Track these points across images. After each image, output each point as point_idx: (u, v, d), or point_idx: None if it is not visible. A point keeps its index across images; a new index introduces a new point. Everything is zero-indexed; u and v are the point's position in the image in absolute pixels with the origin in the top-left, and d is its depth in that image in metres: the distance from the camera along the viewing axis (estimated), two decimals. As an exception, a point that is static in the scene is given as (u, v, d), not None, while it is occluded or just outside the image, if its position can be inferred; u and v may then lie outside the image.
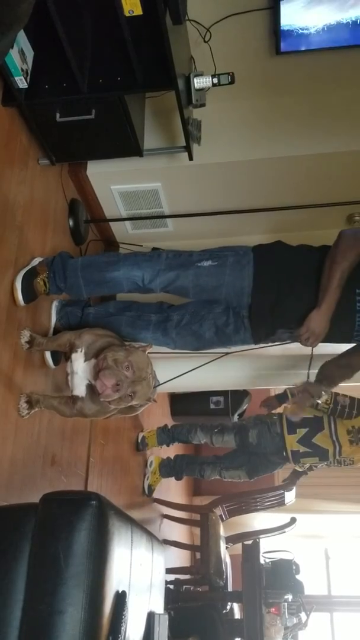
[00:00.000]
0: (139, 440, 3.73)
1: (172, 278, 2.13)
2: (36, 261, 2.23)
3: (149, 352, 1.98)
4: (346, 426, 3.08)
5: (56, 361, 2.35)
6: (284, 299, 2.04)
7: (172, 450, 4.02)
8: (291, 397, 2.36)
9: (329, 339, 2.16)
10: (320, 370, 2.31)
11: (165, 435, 3.71)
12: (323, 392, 2.29)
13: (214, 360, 2.95)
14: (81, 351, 2.00)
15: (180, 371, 3.26)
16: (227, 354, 2.82)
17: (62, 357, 2.37)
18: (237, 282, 2.07)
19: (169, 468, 3.74)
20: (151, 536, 1.82)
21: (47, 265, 2.21)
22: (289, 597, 3.26)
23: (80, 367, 1.99)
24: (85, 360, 1.99)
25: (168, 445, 3.80)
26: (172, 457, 3.81)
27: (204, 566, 3.57)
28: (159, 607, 1.81)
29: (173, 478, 3.84)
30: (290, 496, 3.86)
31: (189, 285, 2.12)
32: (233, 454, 3.53)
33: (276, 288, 2.04)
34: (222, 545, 3.79)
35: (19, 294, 2.09)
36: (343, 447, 3.07)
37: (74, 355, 2.01)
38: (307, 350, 2.22)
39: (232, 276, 2.06)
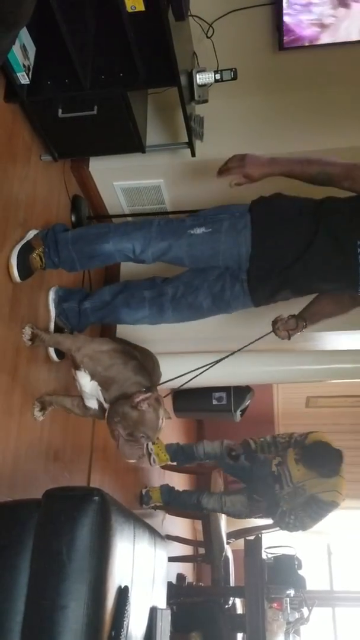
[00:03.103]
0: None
1: (164, 248, 2.03)
2: (31, 234, 2.19)
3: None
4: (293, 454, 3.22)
5: (60, 355, 2.35)
6: (286, 259, 1.94)
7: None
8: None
9: (329, 290, 2.06)
10: (308, 307, 2.12)
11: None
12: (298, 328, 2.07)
13: (221, 360, 2.96)
14: (85, 372, 1.99)
15: (186, 368, 3.26)
16: (236, 352, 2.83)
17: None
18: (234, 248, 1.97)
19: (167, 495, 3.73)
20: (153, 531, 1.82)
21: (42, 239, 2.17)
22: (291, 592, 3.27)
23: (87, 386, 2.00)
24: (91, 380, 1.98)
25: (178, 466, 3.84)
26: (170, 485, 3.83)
27: (206, 538, 3.64)
28: (161, 602, 1.82)
29: (175, 473, 3.88)
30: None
31: (183, 256, 2.03)
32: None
33: (276, 250, 1.95)
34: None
35: (14, 270, 2.05)
36: (289, 465, 3.14)
37: (78, 373, 2.02)
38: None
39: (228, 243, 1.96)
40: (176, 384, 3.32)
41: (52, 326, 2.33)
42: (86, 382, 1.98)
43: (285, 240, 1.95)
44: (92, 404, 2.05)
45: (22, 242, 2.13)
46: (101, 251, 2.10)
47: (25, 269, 2.10)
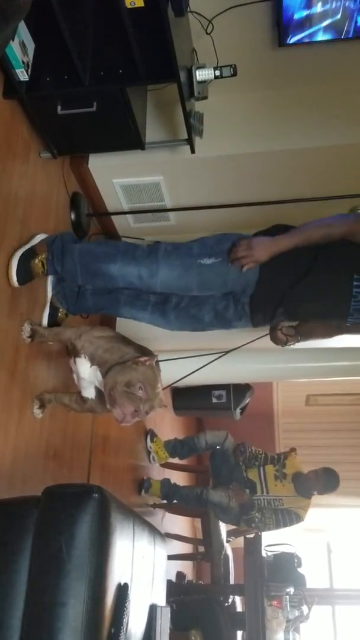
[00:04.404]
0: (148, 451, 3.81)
1: (174, 277, 2.05)
2: (38, 239, 2.18)
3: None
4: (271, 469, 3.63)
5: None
6: (285, 282, 1.99)
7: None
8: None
9: (320, 317, 2.11)
10: (303, 324, 2.20)
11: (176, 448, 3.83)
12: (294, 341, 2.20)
13: (217, 358, 2.96)
14: (85, 357, 1.99)
15: (184, 368, 3.27)
16: (228, 352, 2.84)
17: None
18: (242, 277, 2.01)
19: (167, 488, 3.74)
20: (153, 529, 1.82)
21: (48, 245, 2.16)
22: (291, 590, 3.28)
23: (86, 372, 2.00)
24: (91, 366, 1.98)
25: (181, 458, 3.88)
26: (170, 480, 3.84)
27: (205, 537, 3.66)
28: (160, 599, 1.82)
29: (174, 471, 3.88)
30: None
31: (193, 286, 2.06)
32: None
33: (280, 278, 2.00)
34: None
35: (13, 275, 2.04)
36: (268, 479, 3.53)
37: (78, 360, 2.01)
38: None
39: (238, 272, 2.00)
40: (173, 378, 3.33)
41: (47, 307, 2.29)
42: (86, 369, 1.98)
43: (286, 265, 2.00)
44: (90, 392, 2.04)
45: (27, 247, 2.12)
46: (106, 271, 2.09)
47: (26, 274, 2.09)
